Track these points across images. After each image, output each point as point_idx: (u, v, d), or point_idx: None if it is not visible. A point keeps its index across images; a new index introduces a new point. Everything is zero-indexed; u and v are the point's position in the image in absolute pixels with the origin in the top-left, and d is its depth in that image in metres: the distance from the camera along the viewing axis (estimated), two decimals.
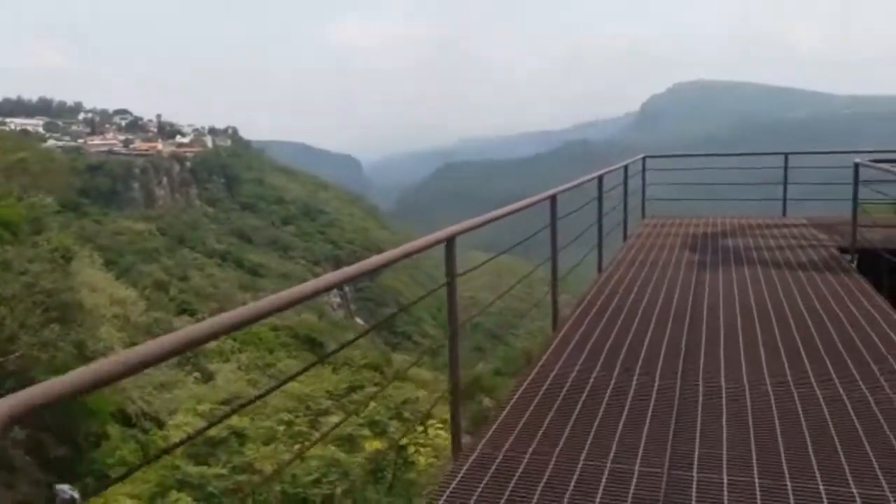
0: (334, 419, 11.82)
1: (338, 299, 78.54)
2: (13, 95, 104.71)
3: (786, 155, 12.41)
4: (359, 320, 74.39)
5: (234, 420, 10.96)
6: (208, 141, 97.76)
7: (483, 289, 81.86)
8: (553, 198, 6.04)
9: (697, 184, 14.93)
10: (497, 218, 4.67)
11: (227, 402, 12.04)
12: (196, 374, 17.35)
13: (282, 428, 11.38)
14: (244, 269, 68.05)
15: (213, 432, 10.42)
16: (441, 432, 11.81)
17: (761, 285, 7.59)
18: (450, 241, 3.75)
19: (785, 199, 12.83)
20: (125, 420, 14.08)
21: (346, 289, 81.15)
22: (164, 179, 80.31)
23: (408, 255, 3.32)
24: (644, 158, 12.36)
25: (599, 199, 8.72)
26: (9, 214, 12.13)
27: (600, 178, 8.62)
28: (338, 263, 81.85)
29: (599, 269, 8.73)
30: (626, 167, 11.09)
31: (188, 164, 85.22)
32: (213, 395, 13.09)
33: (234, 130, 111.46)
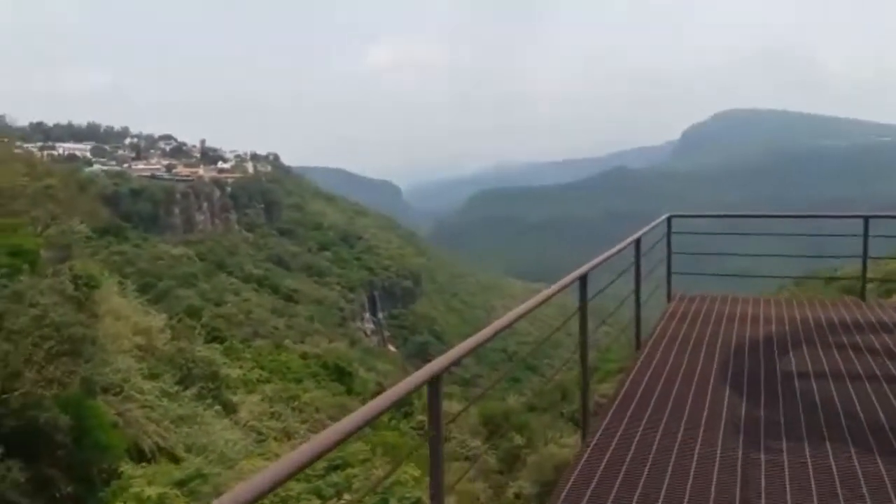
0: None
1: (371, 325, 78.35)
2: (64, 121, 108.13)
3: (865, 219, 8.90)
4: (391, 347, 73.90)
5: None
6: (249, 167, 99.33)
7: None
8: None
9: (734, 255, 12.76)
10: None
11: (184, 484, 10.05)
12: (217, 406, 16.91)
13: None
14: (279, 295, 68.33)
15: None
16: None
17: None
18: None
19: (864, 280, 9.55)
20: (140, 456, 13.66)
21: (381, 315, 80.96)
22: (205, 205, 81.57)
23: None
24: (669, 219, 9.10)
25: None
26: (26, 243, 11.95)
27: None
28: (372, 289, 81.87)
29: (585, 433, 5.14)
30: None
31: (228, 189, 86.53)
32: (176, 472, 10.98)
33: (276, 156, 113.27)
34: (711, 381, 5.95)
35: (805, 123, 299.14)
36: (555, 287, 4.65)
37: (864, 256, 9.13)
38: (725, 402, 5.44)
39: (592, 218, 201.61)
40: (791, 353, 6.70)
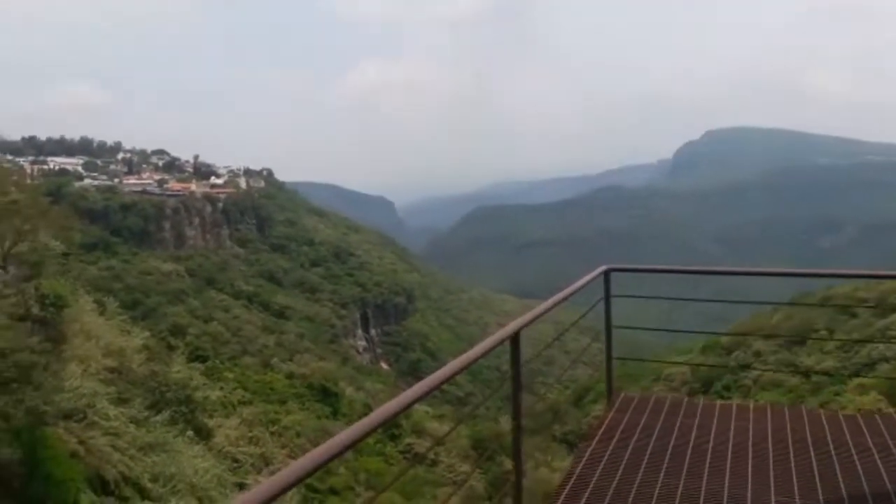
0: None
1: (364, 343, 77.48)
2: (56, 135, 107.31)
3: None
4: (384, 365, 73.03)
5: None
6: (242, 182, 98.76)
7: None
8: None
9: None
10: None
11: None
12: (190, 432, 16.15)
13: None
14: (270, 311, 67.48)
15: None
16: None
17: None
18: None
19: None
20: (103, 486, 12.91)
21: (373, 332, 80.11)
22: (196, 220, 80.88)
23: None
24: (607, 272, 5.77)
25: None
26: None
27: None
28: (364, 306, 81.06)
29: None
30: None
31: (220, 204, 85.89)
32: None
33: (269, 172, 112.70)
34: None
35: (797, 142, 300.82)
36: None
37: None
38: None
39: (588, 236, 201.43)
40: None
